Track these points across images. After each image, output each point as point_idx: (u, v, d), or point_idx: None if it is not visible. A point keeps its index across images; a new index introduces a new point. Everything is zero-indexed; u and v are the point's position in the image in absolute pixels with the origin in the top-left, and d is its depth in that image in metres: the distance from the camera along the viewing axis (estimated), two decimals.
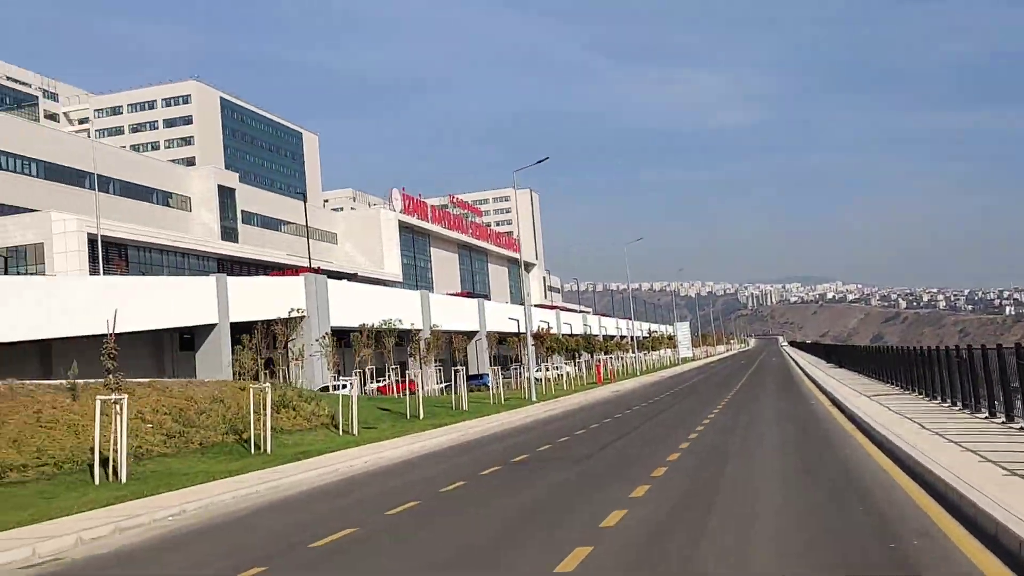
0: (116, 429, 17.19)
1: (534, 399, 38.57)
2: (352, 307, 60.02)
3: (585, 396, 41.27)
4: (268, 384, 21.86)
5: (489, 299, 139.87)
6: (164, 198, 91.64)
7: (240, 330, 39.74)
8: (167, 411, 23.41)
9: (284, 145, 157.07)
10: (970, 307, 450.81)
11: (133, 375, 24.93)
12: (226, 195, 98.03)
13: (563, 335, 64.39)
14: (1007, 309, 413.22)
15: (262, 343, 34.86)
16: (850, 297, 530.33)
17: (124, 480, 16.86)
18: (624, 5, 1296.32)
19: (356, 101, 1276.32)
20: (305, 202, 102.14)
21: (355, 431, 25.49)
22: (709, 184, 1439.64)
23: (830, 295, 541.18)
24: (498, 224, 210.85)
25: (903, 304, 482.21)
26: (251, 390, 21.84)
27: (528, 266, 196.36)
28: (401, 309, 73.46)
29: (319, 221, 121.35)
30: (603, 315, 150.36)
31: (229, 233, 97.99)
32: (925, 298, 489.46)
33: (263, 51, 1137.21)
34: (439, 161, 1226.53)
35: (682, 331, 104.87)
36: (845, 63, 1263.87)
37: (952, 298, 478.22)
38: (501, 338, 70.39)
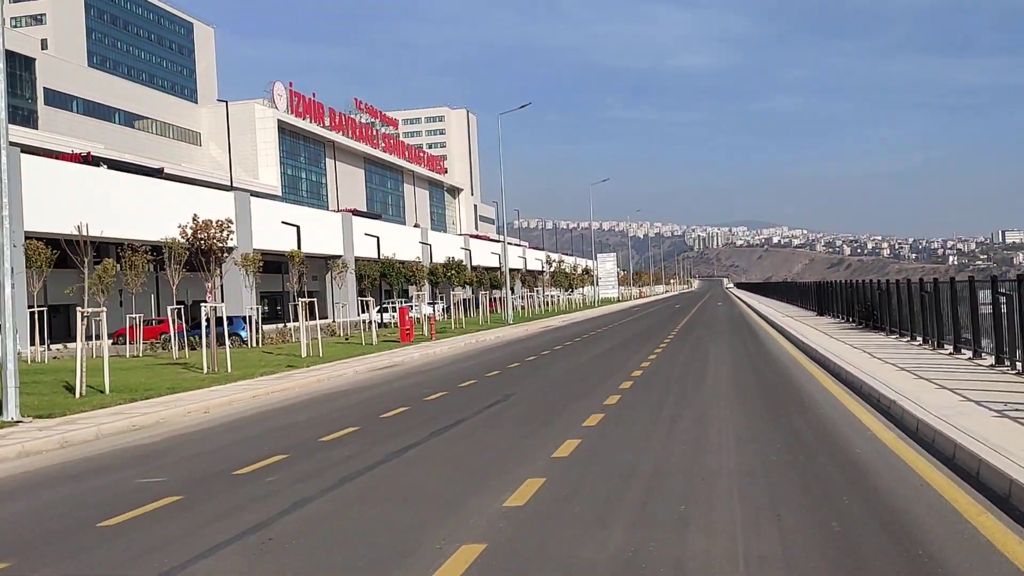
0: None
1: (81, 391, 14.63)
2: (66, 206, 36.00)
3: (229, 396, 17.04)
4: None
5: (400, 221, 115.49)
6: None
7: None
8: None
9: (170, 36, 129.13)
10: (914, 256, 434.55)
11: None
12: (20, 65, 72.04)
13: (394, 260, 40.99)
14: (950, 259, 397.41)
15: None
16: (796, 242, 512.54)
17: None
18: None
19: (306, 22, 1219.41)
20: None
21: None
22: (668, 126, 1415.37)
23: (776, 239, 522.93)
24: (431, 147, 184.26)
25: (847, 251, 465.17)
26: None
27: (455, 191, 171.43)
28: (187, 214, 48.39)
29: (178, 117, 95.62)
30: (540, 249, 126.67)
31: (25, 116, 72.46)
32: (870, 245, 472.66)
33: None
34: (393, 90, 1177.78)
35: (605, 266, 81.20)
36: (804, 8, 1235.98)
37: (896, 246, 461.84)
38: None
